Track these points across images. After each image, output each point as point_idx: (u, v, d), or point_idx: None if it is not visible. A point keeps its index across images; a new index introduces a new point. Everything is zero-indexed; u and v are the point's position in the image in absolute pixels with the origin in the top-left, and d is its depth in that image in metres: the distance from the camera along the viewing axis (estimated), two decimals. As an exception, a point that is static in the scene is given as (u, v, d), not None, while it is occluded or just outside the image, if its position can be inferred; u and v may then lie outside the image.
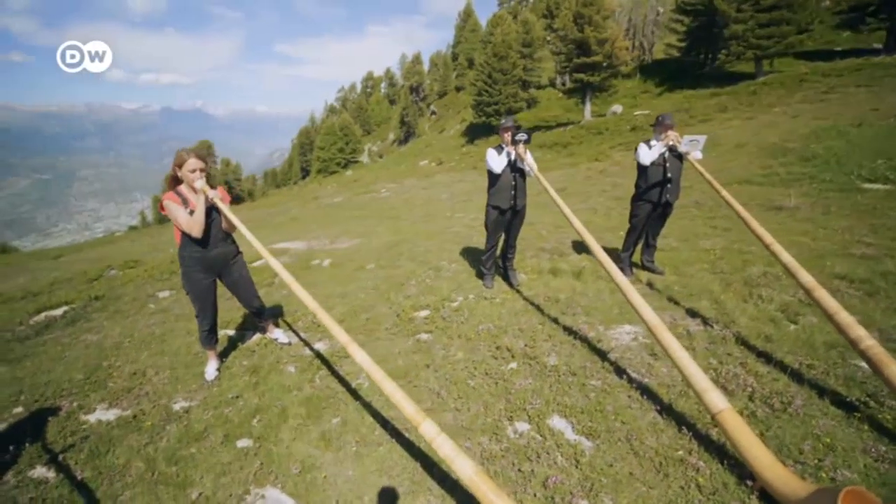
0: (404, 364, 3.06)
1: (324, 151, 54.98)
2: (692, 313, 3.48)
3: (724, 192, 3.35)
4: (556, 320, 3.53)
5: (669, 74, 29.01)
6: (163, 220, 43.70)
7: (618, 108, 27.42)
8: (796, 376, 2.51)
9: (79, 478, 2.17)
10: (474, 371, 2.85)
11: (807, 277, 2.59)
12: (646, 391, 2.48)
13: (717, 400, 1.92)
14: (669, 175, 4.12)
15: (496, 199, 4.08)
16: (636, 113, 23.35)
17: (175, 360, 3.32)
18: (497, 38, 33.53)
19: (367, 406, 2.62)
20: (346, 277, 5.23)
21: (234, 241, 2.86)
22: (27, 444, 2.40)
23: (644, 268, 4.60)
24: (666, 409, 2.31)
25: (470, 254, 5.66)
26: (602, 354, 2.92)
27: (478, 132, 38.04)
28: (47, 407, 2.80)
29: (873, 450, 1.92)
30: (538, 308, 3.79)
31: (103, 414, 2.71)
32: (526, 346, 3.12)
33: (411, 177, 24.17)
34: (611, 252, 5.27)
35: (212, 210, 2.60)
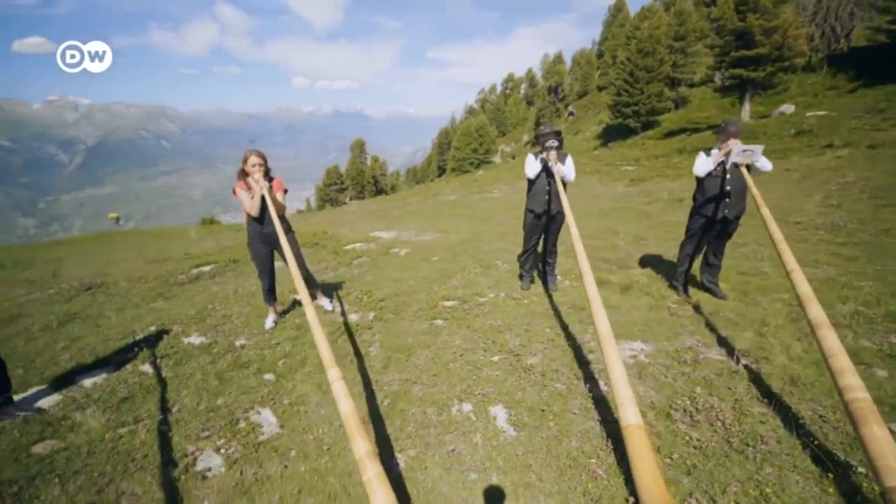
0: (411, 342, 3.48)
1: (459, 151, 57.59)
2: (723, 342, 3.19)
3: (764, 209, 3.01)
4: (566, 327, 3.56)
5: (870, 65, 23.20)
6: (321, 206, 51.17)
7: (788, 107, 23.06)
8: (792, 423, 2.24)
9: (163, 376, 3.13)
10: (459, 357, 3.13)
11: (817, 312, 2.28)
12: (600, 403, 2.48)
13: (629, 415, 1.95)
14: (728, 188, 3.72)
15: (532, 203, 4.20)
16: (808, 114, 19.40)
17: (253, 312, 4.29)
18: (643, 32, 30.99)
19: (361, 369, 3.12)
20: (409, 266, 5.84)
21: (286, 221, 3.63)
22: (144, 349, 3.50)
23: (705, 289, 4.20)
24: (607, 422, 2.31)
25: (528, 256, 5.77)
26: (584, 363, 2.93)
27: (614, 134, 35.79)
28: (166, 329, 3.96)
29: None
30: (558, 314, 3.84)
31: (194, 339, 3.74)
32: (520, 344, 3.27)
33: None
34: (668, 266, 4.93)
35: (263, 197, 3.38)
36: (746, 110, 23.55)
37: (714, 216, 3.86)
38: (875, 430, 1.75)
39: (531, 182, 4.17)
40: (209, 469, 2.19)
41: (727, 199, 3.76)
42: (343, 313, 4.11)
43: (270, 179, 3.41)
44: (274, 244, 3.55)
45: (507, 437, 2.25)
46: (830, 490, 1.83)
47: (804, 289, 2.42)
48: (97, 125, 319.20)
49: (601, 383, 2.69)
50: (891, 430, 1.99)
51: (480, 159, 56.33)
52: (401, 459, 2.15)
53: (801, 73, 25.89)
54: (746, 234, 6.42)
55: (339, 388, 1.87)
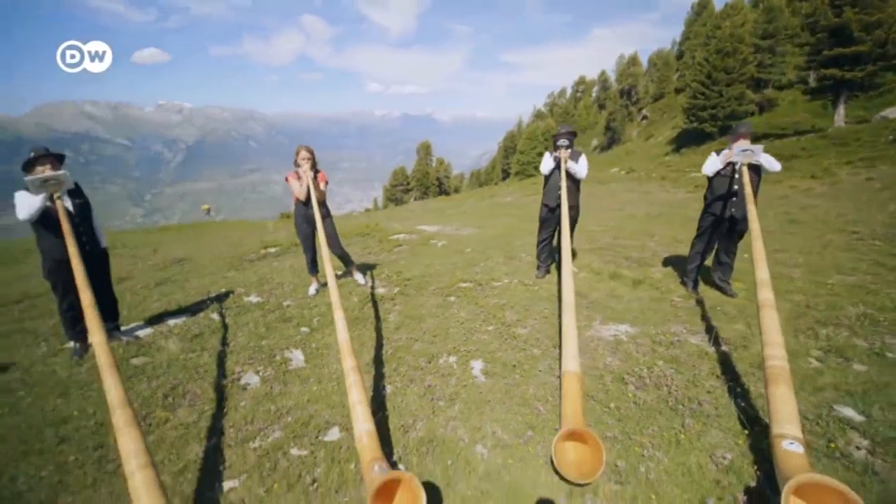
0: (424, 312, 4.01)
1: (523, 155, 57.17)
2: (709, 330, 3.40)
3: (751, 205, 3.20)
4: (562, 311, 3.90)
5: None
6: (386, 205, 53.51)
7: (894, 111, 20.57)
8: (737, 396, 2.48)
9: (226, 322, 3.94)
10: (460, 325, 3.62)
11: (766, 295, 2.51)
12: (567, 364, 2.85)
13: (569, 364, 2.36)
14: (736, 188, 3.84)
15: (546, 198, 4.56)
16: (915, 119, 17.24)
17: (301, 282, 5.06)
18: (724, 31, 29.06)
19: (378, 329, 3.71)
20: (442, 254, 6.39)
21: (326, 206, 4.31)
22: (214, 303, 4.36)
23: (716, 287, 4.31)
24: (566, 377, 2.68)
25: (553, 251, 6.08)
26: (566, 336, 3.28)
27: (688, 139, 33.88)
28: (232, 291, 4.84)
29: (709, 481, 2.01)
30: (560, 298, 4.17)
31: (252, 298, 4.56)
32: (515, 319, 3.69)
33: (588, 182, 23.66)
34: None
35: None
36: (840, 114, 21.37)
37: (722, 214, 3.98)
38: (782, 389, 2.02)
39: (546, 178, 4.53)
40: (248, 384, 2.88)
41: (734, 199, 3.88)
42: (373, 287, 4.74)
43: (317, 172, 4.12)
44: (315, 225, 4.25)
45: (477, 382, 2.71)
46: (741, 442, 2.09)
47: (762, 275, 2.63)
48: (196, 126, 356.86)
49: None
50: (832, 408, 2.21)
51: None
52: (388, 388, 2.70)
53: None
54: (788, 242, 6.24)
55: (344, 341, 2.38)
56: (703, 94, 30.19)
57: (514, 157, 62.01)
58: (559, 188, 4.42)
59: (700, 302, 4.00)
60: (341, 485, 1.91)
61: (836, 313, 3.58)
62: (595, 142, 62.04)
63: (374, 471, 1.68)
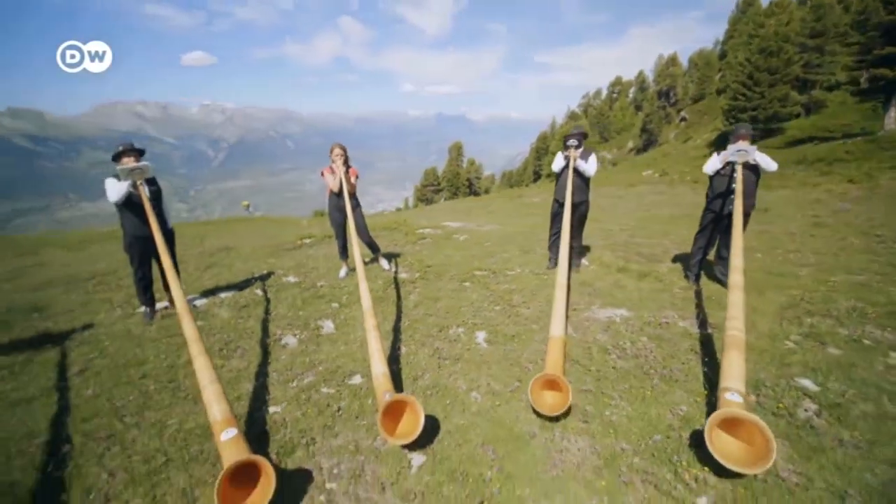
0: (440, 294, 4.46)
1: (555, 156, 56.49)
2: (699, 317, 3.69)
3: (738, 201, 3.47)
4: (567, 296, 4.26)
5: None
6: (416, 205, 54.43)
7: (951, 114, 19.43)
8: (708, 367, 2.80)
9: (268, 296, 4.53)
10: (470, 305, 4.05)
11: (737, 279, 2.82)
12: (560, 337, 3.23)
13: (554, 329, 2.76)
14: (734, 186, 4.08)
15: (557, 194, 4.91)
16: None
17: (333, 266, 5.62)
18: (768, 30, 28.07)
19: (398, 307, 4.20)
20: (463, 247, 6.82)
21: (356, 198, 4.83)
22: (258, 281, 4.98)
23: (717, 280, 4.55)
24: (557, 347, 3.06)
25: (568, 246, 6.40)
26: (565, 318, 3.65)
27: (727, 142, 32.78)
28: (273, 272, 5.45)
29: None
30: (567, 287, 4.53)
31: (291, 278, 5.15)
32: (521, 301, 4.09)
33: (617, 185, 23.48)
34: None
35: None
36: (892, 116, 20.35)
37: (721, 211, 4.23)
38: (734, 353, 2.36)
39: (557, 176, 4.89)
40: (287, 343, 3.42)
41: (732, 196, 4.11)
42: (396, 272, 5.24)
43: (348, 167, 4.65)
44: (346, 214, 4.78)
45: (479, 347, 3.14)
46: (699, 399, 2.43)
47: (736, 262, 2.97)
48: (237, 126, 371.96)
49: (570, 327, 3.41)
50: (792, 379, 2.52)
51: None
52: (403, 349, 3.17)
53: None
54: (807, 243, 6.33)
55: (364, 289, 2.90)
56: (744, 95, 29.23)
57: (545, 159, 61.44)
58: (570, 184, 4.77)
59: (698, 293, 4.26)
60: (360, 413, 2.39)
61: (827, 306, 3.77)
62: (630, 144, 60.72)
63: (385, 397, 2.14)
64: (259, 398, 2.60)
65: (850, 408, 2.34)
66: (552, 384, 2.33)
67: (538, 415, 2.28)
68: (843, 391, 2.48)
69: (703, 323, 3.48)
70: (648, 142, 56.00)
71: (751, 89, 28.92)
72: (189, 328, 2.40)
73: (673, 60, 62.62)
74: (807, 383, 2.58)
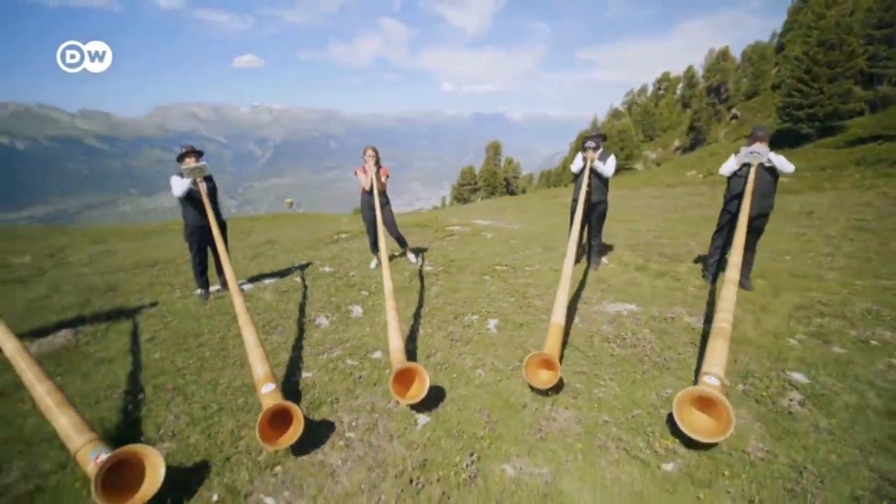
0: (461, 286, 4.78)
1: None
2: (707, 313, 3.80)
3: (746, 201, 3.58)
4: (581, 289, 4.48)
5: None
6: (453, 203, 54.93)
7: None
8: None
9: (305, 284, 5.01)
10: (487, 296, 4.35)
11: (733, 275, 2.97)
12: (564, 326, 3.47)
13: (555, 316, 3.02)
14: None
15: (575, 193, 5.11)
16: None
17: (365, 258, 6.06)
18: (828, 21, 26.37)
19: (421, 296, 4.56)
20: (488, 244, 7.11)
21: (385, 196, 5.22)
22: (297, 270, 5.50)
23: (734, 281, 4.60)
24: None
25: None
26: (575, 308, 3.89)
27: (781, 141, 30.95)
28: (310, 262, 5.97)
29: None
30: (582, 282, 4.74)
31: (326, 268, 5.64)
32: (535, 294, 4.34)
33: (657, 185, 22.89)
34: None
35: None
36: (968, 113, 18.64)
37: (737, 212, 4.29)
38: (719, 342, 2.55)
39: (576, 176, 5.08)
40: (320, 324, 3.86)
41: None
42: (422, 265, 5.60)
43: (379, 167, 5.05)
44: (376, 211, 5.20)
45: (489, 332, 3.44)
46: (686, 385, 2.61)
47: (734, 259, 3.11)
48: (283, 126, 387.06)
49: (577, 318, 3.65)
50: (784, 372, 2.67)
51: (620, 165, 53.16)
52: (420, 331, 3.53)
53: None
54: (843, 247, 6.19)
55: (387, 277, 3.28)
56: (801, 91, 27.61)
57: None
58: (588, 185, 4.96)
59: (712, 292, 4.35)
60: (378, 381, 2.76)
61: (843, 308, 3.79)
62: (677, 142, 58.44)
63: (397, 366, 2.50)
64: (294, 366, 3.03)
65: (834, 399, 2.47)
66: (546, 363, 2.60)
67: (532, 389, 2.57)
68: (831, 385, 2.59)
69: (708, 319, 3.61)
70: (696, 140, 53.70)
71: (808, 85, 27.29)
72: (238, 303, 2.86)
73: (724, 55, 59.64)
74: (798, 376, 2.71)
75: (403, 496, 1.87)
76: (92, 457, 1.83)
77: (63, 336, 3.63)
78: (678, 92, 70.21)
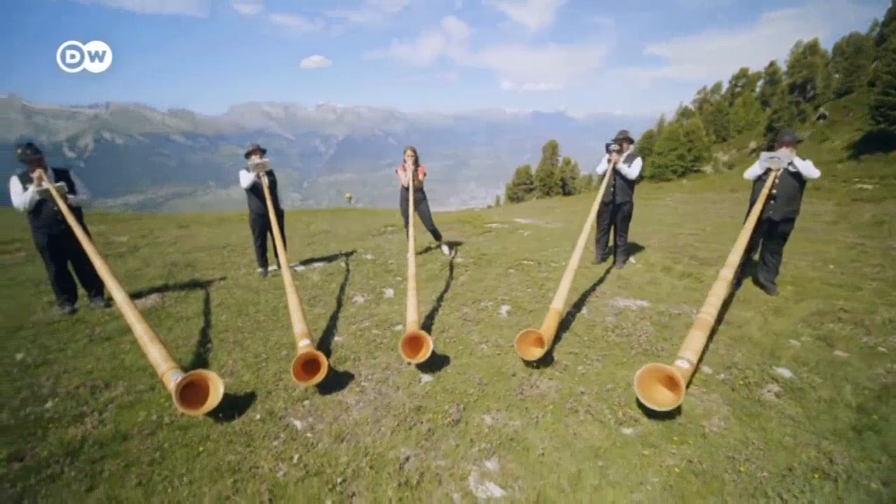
0: (486, 277, 5.19)
1: (660, 157, 52.25)
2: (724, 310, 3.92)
3: (758, 205, 3.68)
4: (598, 284, 4.72)
5: None
6: (507, 202, 54.86)
7: None
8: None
9: (349, 268, 5.65)
10: (508, 286, 4.73)
11: (727, 274, 3.15)
12: (571, 315, 3.78)
13: (555, 302, 3.36)
14: (775, 192, 4.17)
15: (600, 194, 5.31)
16: None
17: (403, 248, 6.62)
18: (937, 11, 23.42)
19: (447, 283, 5.01)
20: (522, 240, 7.43)
21: (422, 192, 5.72)
22: (343, 257, 6.17)
23: (759, 285, 4.61)
24: (565, 322, 3.63)
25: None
26: (586, 300, 4.16)
27: (872, 144, 28.07)
28: (356, 251, 6.63)
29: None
30: (602, 279, 4.97)
31: (368, 256, 6.27)
32: (552, 287, 4.63)
33: (718, 189, 21.65)
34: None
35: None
36: None
37: (761, 217, 4.32)
38: (698, 332, 2.80)
39: (601, 177, 5.29)
40: (357, 301, 4.44)
41: (773, 202, 4.20)
42: (454, 258, 6.07)
43: (417, 166, 5.57)
44: (414, 205, 5.72)
45: (500, 316, 3.84)
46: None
47: (733, 258, 3.28)
48: (346, 124, 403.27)
49: (585, 310, 3.93)
50: (770, 366, 2.84)
51: (686, 167, 49.98)
52: (438, 312, 4.00)
53: None
54: (888, 258, 5.84)
55: (412, 263, 3.78)
56: (897, 89, 24.84)
57: (648, 159, 57.31)
58: (612, 185, 5.16)
59: (733, 294, 4.41)
60: (395, 347, 3.26)
61: (864, 317, 3.76)
62: (753, 144, 54.22)
63: (408, 332, 2.97)
64: (329, 331, 3.62)
65: (810, 392, 2.61)
66: (538, 341, 2.95)
67: (525, 363, 2.94)
68: (812, 381, 2.73)
69: (716, 319, 3.74)
70: (775, 142, 49.52)
71: (907, 82, 24.47)
72: (287, 277, 3.48)
73: (812, 48, 54.43)
74: (783, 371, 2.86)
75: (399, 429, 2.34)
76: (173, 378, 2.47)
77: (153, 299, 4.49)
78: (757, 89, 64.95)
